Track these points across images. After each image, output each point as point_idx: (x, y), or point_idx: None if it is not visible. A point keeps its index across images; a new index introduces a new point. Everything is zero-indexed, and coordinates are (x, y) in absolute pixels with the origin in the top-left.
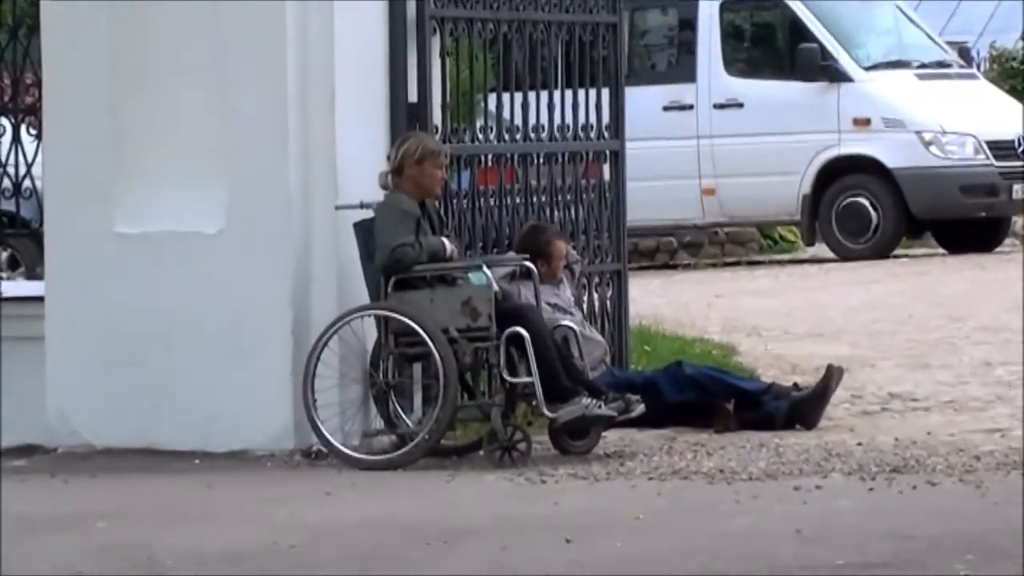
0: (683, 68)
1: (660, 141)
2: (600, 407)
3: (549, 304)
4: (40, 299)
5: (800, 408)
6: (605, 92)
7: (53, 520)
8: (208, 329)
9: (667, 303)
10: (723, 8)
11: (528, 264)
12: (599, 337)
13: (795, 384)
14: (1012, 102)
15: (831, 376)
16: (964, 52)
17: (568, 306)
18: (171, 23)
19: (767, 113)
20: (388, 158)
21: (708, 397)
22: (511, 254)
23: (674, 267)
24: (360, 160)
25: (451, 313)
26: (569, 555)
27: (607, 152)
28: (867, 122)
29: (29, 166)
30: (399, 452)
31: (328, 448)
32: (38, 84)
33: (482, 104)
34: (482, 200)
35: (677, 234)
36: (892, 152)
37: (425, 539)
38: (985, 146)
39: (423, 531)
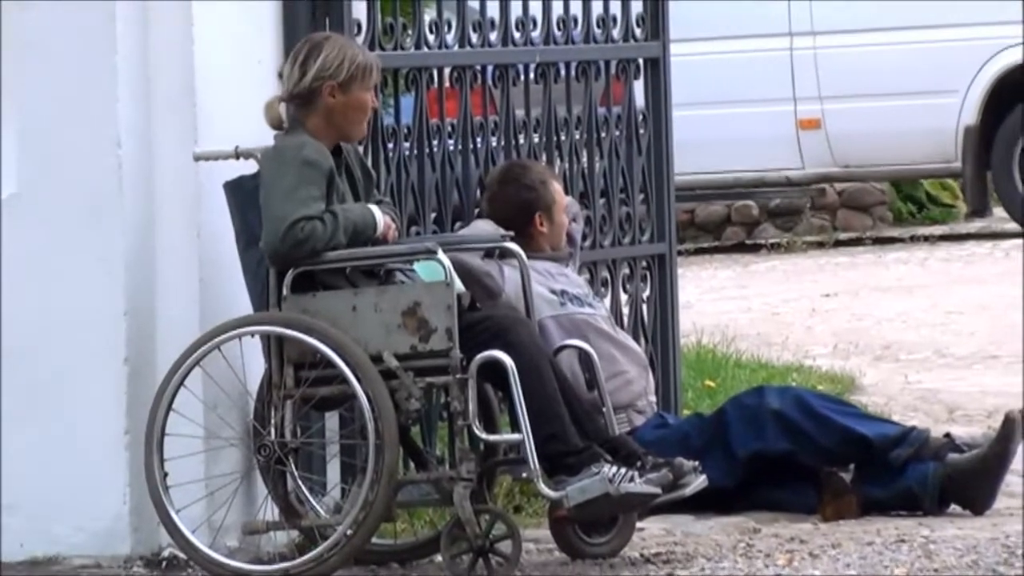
0: None
1: (728, 42)
2: (633, 479)
3: (553, 292)
4: None
5: (962, 478)
6: None
7: None
8: None
9: (744, 308)
10: None
11: (510, 245)
12: (636, 347)
13: (948, 436)
14: None
15: (1012, 429)
16: None
17: (584, 293)
18: None
19: None
20: (281, 76)
21: (810, 451)
22: (480, 224)
23: (755, 249)
24: (233, 81)
25: (386, 329)
26: None
27: (640, 61)
28: None
29: None
30: (304, 558)
31: (187, 553)
32: None
33: None
34: (435, 143)
35: (759, 196)
36: None
37: None
38: None
39: None
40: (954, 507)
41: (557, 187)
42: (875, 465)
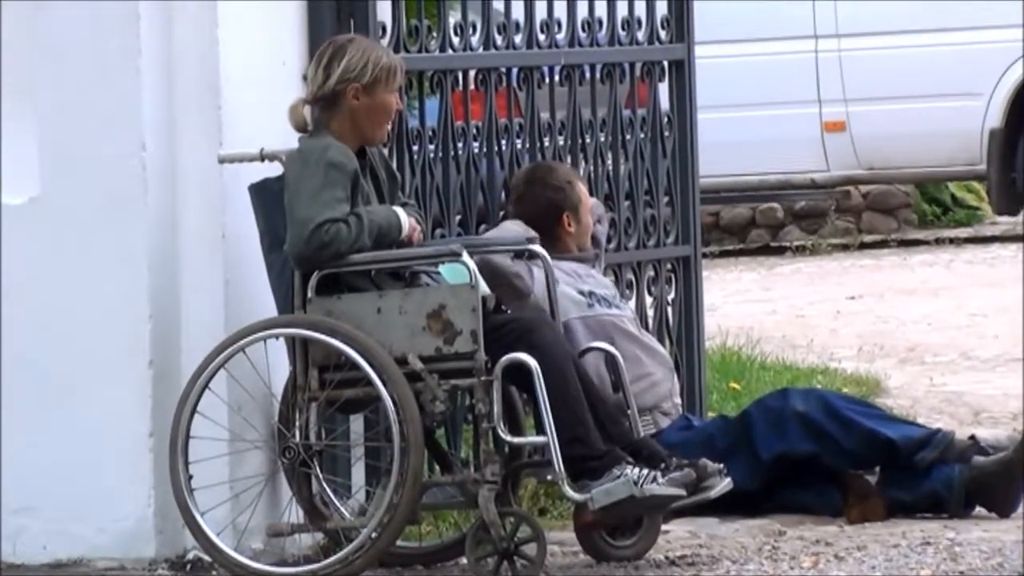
0: None
1: (752, 44)
2: (657, 481)
3: (581, 292)
4: None
5: (987, 481)
6: None
7: None
8: (12, 362)
9: (769, 310)
10: None
11: (535, 248)
12: (662, 349)
13: (973, 439)
14: None
15: None
16: None
17: (611, 294)
18: None
19: None
20: (306, 79)
21: (834, 454)
22: (508, 225)
23: (780, 251)
24: (257, 83)
25: (411, 331)
26: None
27: (665, 64)
28: None
29: None
30: (329, 560)
31: (212, 555)
32: None
33: None
34: (460, 145)
35: (784, 198)
36: None
37: None
38: None
39: None
40: (979, 510)
41: (582, 188)
42: (900, 468)
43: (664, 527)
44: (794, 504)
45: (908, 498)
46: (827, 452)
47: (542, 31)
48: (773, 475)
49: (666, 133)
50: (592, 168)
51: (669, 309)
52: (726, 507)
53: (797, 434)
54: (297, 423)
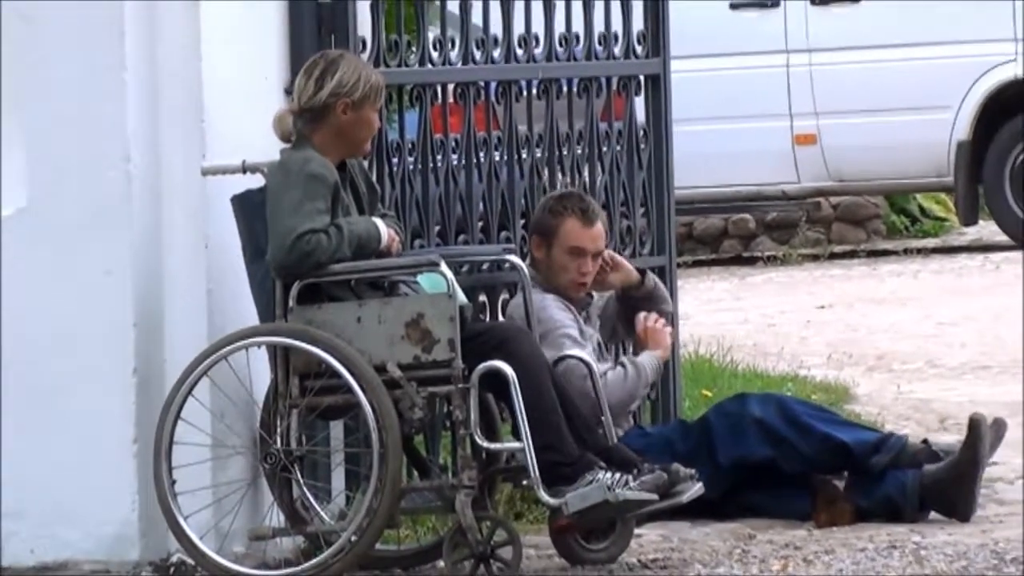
0: None
1: (726, 59)
2: (629, 486)
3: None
4: None
5: (939, 487)
6: None
7: None
8: (0, 369)
9: (740, 319)
10: None
11: (513, 258)
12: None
13: (926, 443)
14: None
15: (979, 432)
16: None
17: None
18: None
19: (898, 12)
20: (288, 92)
21: (791, 458)
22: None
23: (751, 261)
24: (239, 96)
25: (390, 340)
26: None
27: (641, 78)
28: None
29: None
30: (309, 564)
31: (195, 558)
32: None
33: (437, 2)
34: (439, 157)
35: (756, 209)
36: None
37: None
38: None
39: None
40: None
41: (574, 227)
42: (860, 473)
43: (637, 531)
44: (752, 505)
45: (865, 504)
46: (784, 457)
47: (520, 46)
48: (733, 480)
49: (642, 145)
50: (569, 180)
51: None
52: (687, 511)
53: (755, 439)
54: (278, 429)
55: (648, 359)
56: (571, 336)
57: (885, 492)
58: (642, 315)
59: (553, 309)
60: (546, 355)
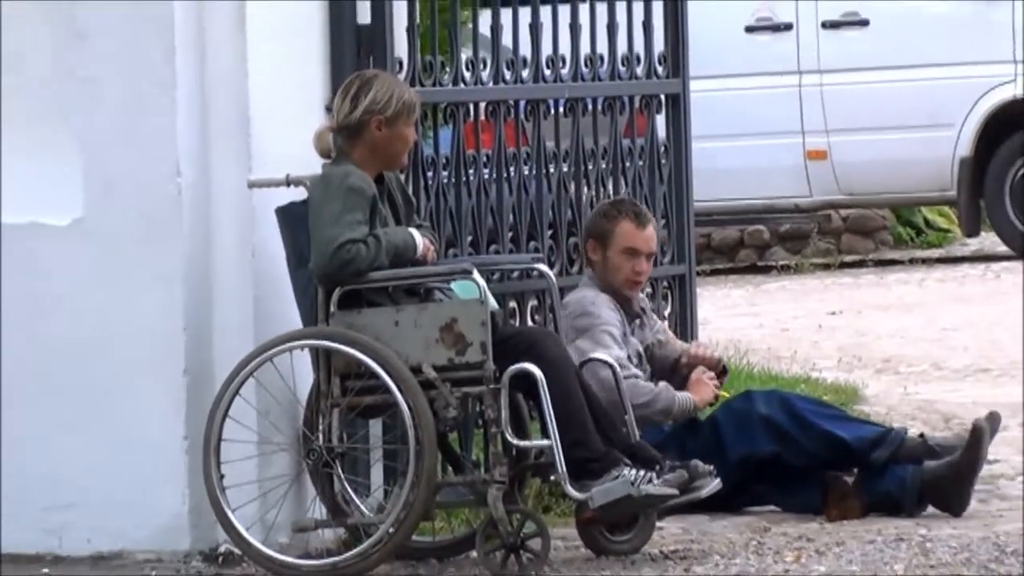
0: None
1: (742, 79)
2: (652, 482)
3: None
4: None
5: (937, 484)
6: (658, 6)
7: None
8: (57, 371)
9: (756, 324)
10: None
11: (541, 267)
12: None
13: (923, 437)
14: None
15: (980, 437)
16: None
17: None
18: None
19: (905, 35)
20: (329, 109)
21: (794, 453)
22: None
23: (766, 270)
24: (284, 112)
25: (426, 343)
26: None
27: (662, 97)
28: None
29: None
30: (349, 554)
31: (242, 548)
32: None
33: (470, 26)
34: (471, 172)
35: (770, 221)
36: None
37: None
38: None
39: None
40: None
41: (629, 229)
42: (863, 468)
43: (658, 524)
44: (759, 497)
45: (868, 498)
46: (788, 452)
47: (548, 67)
48: (741, 475)
49: (663, 161)
50: (594, 193)
51: (666, 323)
52: (698, 504)
53: (761, 436)
54: (320, 427)
55: (684, 397)
56: (612, 334)
57: (886, 488)
58: (695, 345)
59: (603, 307)
60: (585, 346)
